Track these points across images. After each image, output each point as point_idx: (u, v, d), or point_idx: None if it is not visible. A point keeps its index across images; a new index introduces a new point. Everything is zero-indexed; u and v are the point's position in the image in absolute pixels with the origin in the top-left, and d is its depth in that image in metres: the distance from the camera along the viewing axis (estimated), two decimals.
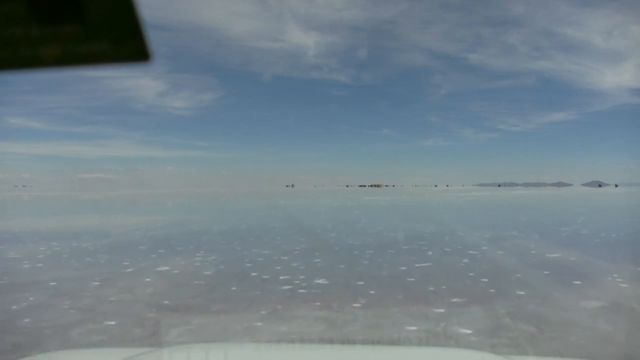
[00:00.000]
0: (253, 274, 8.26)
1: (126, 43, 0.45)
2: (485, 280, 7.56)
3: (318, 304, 6.24)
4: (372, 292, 6.89)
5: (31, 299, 6.68)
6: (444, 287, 7.11)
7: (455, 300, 6.36)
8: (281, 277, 7.91)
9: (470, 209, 29.76)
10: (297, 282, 7.56)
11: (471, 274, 8.02)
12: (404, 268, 8.61)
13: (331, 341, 4.80)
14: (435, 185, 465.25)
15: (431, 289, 7.03)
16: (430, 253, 10.39)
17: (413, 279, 7.70)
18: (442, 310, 5.79)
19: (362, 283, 7.43)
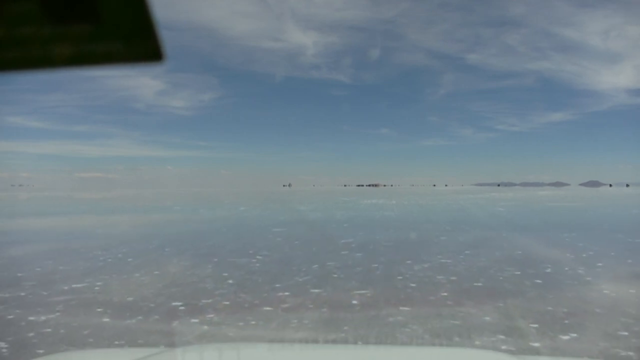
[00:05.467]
0: None
1: (139, 43, 0.45)
2: None
3: None
4: None
5: None
6: None
7: None
8: None
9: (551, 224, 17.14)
10: None
11: None
12: None
13: (345, 341, 4.48)
14: (434, 185, 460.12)
15: None
16: None
17: None
18: None
19: None
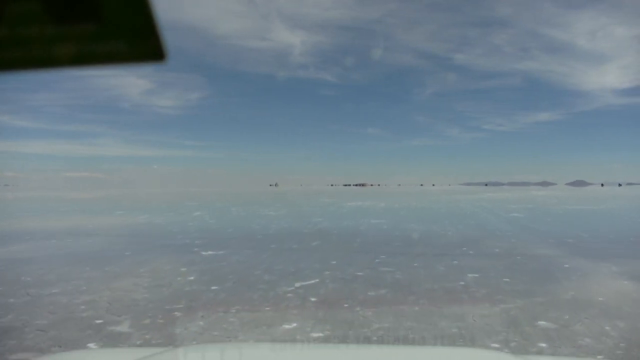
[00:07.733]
0: None
1: (141, 42, 0.45)
2: None
3: None
4: None
5: None
6: None
7: None
8: None
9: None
10: None
11: None
12: None
13: (348, 340, 4.35)
14: (422, 185, 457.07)
15: None
16: None
17: None
18: None
19: None
